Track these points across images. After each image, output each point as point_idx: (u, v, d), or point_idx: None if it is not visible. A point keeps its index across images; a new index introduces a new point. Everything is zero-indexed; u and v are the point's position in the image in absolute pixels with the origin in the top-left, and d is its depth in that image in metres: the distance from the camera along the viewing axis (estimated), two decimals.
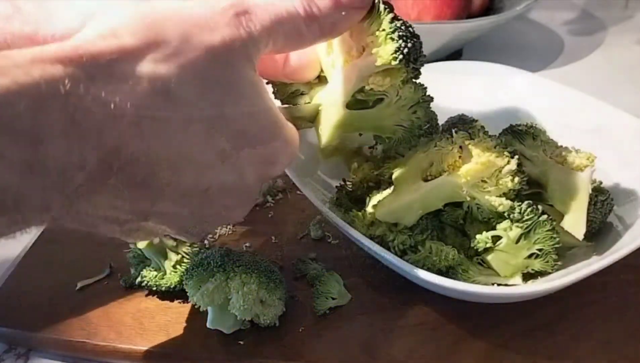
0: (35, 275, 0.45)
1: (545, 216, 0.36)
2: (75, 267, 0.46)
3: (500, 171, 0.36)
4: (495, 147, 0.37)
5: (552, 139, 0.43)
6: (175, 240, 0.44)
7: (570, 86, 0.50)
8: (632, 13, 0.95)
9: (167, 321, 0.41)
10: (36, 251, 0.48)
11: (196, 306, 0.38)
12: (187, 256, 0.43)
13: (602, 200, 0.40)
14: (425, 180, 0.38)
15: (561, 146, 0.42)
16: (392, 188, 0.39)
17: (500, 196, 0.36)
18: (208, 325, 0.38)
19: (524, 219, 0.36)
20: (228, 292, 0.37)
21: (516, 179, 0.36)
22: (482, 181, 0.36)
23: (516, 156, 0.37)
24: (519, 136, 0.42)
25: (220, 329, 0.38)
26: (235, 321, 0.39)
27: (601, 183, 0.43)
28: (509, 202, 0.36)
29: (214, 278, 0.37)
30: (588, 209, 0.38)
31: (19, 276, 0.45)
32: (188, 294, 0.38)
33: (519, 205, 0.36)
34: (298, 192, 0.53)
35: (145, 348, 0.39)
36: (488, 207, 0.37)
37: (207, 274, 0.38)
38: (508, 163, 0.36)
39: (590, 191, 0.39)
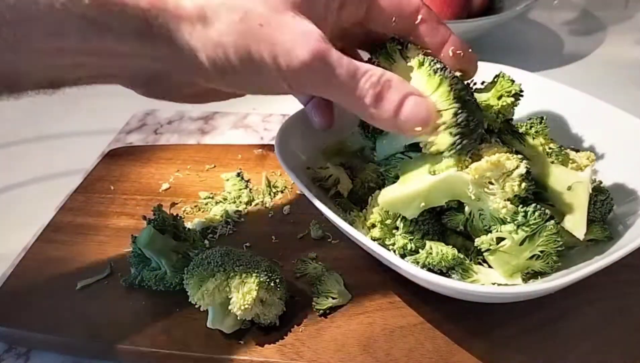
0: (35, 275, 0.45)
1: (552, 221, 0.36)
2: (75, 267, 0.46)
3: (508, 175, 0.36)
4: (506, 152, 0.37)
5: (552, 139, 0.44)
6: (176, 240, 0.44)
7: (570, 86, 0.50)
8: (632, 13, 0.95)
9: (167, 321, 0.41)
10: (36, 251, 0.48)
11: (196, 306, 0.38)
12: (188, 256, 0.43)
13: (602, 200, 0.40)
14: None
15: (561, 146, 0.42)
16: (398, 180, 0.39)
17: (505, 200, 0.36)
18: (208, 324, 0.38)
19: (530, 223, 0.35)
20: (228, 292, 0.37)
21: (523, 184, 0.36)
22: (489, 182, 0.36)
23: (526, 162, 0.37)
24: (519, 136, 0.42)
25: (221, 329, 0.38)
26: (235, 321, 0.39)
27: (601, 182, 0.43)
28: (513, 207, 0.36)
29: (215, 278, 0.37)
30: (588, 209, 0.38)
31: (19, 276, 0.45)
32: (188, 294, 0.38)
33: (524, 209, 0.36)
34: (298, 192, 0.53)
35: (145, 348, 0.39)
36: (491, 210, 0.36)
37: (208, 274, 0.38)
38: (517, 167, 0.36)
39: (590, 191, 0.39)
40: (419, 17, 0.40)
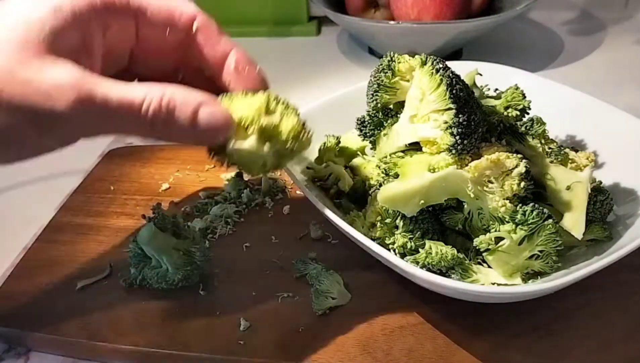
0: (35, 275, 0.45)
1: (550, 221, 0.36)
2: (75, 267, 0.46)
3: (507, 174, 0.36)
4: (506, 151, 0.37)
5: (552, 139, 0.44)
6: (176, 236, 0.44)
7: (570, 86, 0.50)
8: (632, 13, 0.95)
9: (168, 321, 0.41)
10: (36, 251, 0.48)
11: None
12: (189, 254, 0.43)
13: (601, 200, 0.40)
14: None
15: (561, 146, 0.42)
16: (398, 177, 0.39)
17: (504, 199, 0.36)
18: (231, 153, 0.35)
19: (528, 222, 0.35)
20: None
21: (522, 184, 0.36)
22: (489, 181, 0.36)
23: (525, 161, 0.37)
24: (519, 136, 0.42)
25: (241, 148, 0.35)
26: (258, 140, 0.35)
27: (601, 182, 0.43)
28: (511, 206, 0.36)
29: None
30: (587, 209, 0.38)
31: (19, 276, 0.45)
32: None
33: (523, 208, 0.36)
34: (298, 192, 0.53)
35: (145, 348, 0.39)
36: (490, 209, 0.37)
37: None
38: (517, 165, 0.36)
39: (590, 191, 0.39)
40: (195, 26, 0.36)
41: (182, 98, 0.31)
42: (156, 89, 0.30)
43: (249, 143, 0.35)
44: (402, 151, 0.41)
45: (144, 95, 0.30)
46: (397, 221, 0.39)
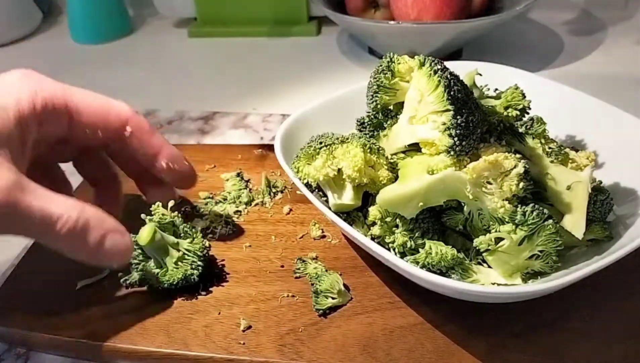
0: (35, 275, 0.45)
1: (550, 221, 0.36)
2: (75, 267, 0.46)
3: (506, 175, 0.36)
4: (505, 152, 0.37)
5: (552, 139, 0.44)
6: (176, 236, 0.44)
7: (570, 86, 0.50)
8: (632, 13, 0.95)
9: (167, 321, 0.41)
10: (36, 251, 0.48)
11: (308, 182, 0.41)
12: (189, 252, 0.43)
13: (601, 200, 0.40)
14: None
15: (561, 146, 0.42)
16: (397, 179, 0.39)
17: (503, 200, 0.36)
18: (332, 207, 0.41)
19: (528, 222, 0.35)
20: (337, 162, 0.40)
21: (521, 184, 0.36)
22: (487, 182, 0.36)
23: (524, 162, 0.37)
24: (519, 136, 0.42)
25: (344, 203, 0.41)
26: (354, 191, 0.41)
27: (601, 182, 0.43)
28: (511, 206, 0.36)
29: (319, 155, 0.41)
30: (587, 208, 0.38)
31: (19, 276, 0.45)
32: (298, 176, 0.42)
33: (522, 209, 0.36)
34: (298, 192, 0.53)
35: (145, 348, 0.39)
36: (489, 210, 0.37)
37: (313, 152, 0.41)
38: (515, 166, 0.36)
39: (590, 191, 0.39)
40: (128, 129, 0.40)
41: (96, 222, 0.35)
42: (74, 209, 0.34)
43: (346, 197, 0.41)
44: (403, 152, 0.41)
45: (63, 212, 0.33)
46: (397, 220, 0.39)
